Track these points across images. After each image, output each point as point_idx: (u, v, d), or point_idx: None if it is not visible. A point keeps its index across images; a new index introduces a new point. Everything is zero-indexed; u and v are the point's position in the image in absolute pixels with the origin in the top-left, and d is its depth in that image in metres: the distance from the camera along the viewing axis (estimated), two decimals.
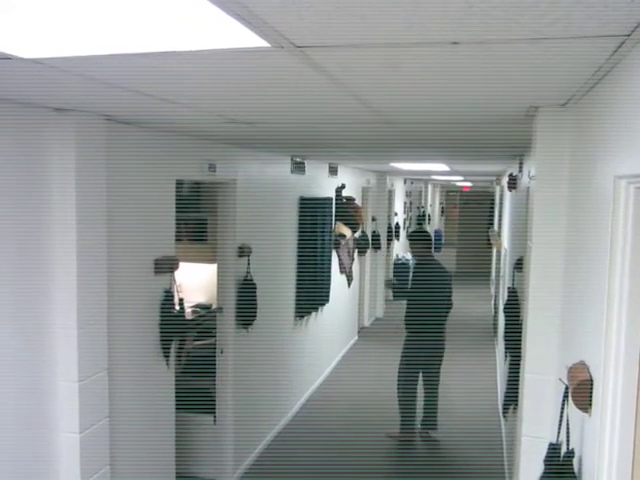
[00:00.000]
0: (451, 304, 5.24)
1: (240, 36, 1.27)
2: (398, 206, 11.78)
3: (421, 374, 5.23)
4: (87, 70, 1.72)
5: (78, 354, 2.57)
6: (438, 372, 5.25)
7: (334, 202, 6.80)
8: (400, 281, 10.27)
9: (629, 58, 1.38)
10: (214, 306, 4.68)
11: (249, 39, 1.29)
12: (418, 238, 5.28)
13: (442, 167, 7.26)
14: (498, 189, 10.13)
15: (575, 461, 1.70)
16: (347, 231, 7.19)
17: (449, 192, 17.73)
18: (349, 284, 7.82)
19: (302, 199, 5.65)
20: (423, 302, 4.99)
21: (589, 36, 1.26)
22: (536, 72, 1.64)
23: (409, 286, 5.32)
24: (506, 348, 3.94)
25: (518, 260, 3.87)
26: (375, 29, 1.23)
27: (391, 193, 10.82)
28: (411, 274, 5.47)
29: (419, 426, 5.29)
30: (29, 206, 2.42)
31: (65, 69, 1.70)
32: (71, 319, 2.55)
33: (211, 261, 4.56)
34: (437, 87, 1.91)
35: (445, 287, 5.15)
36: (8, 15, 1.19)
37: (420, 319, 5.00)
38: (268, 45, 1.35)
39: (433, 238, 5.78)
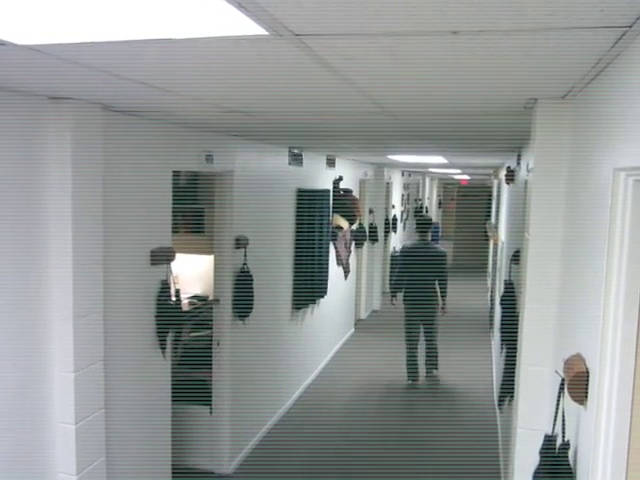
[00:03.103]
0: (445, 276, 6.31)
1: (238, 24, 1.26)
2: (395, 199, 11.77)
3: (422, 328, 6.49)
4: (83, 57, 1.70)
5: (74, 345, 2.56)
6: (433, 324, 6.48)
7: (332, 194, 6.79)
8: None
9: (630, 50, 1.37)
10: (211, 297, 4.68)
11: (247, 27, 1.28)
12: (425, 222, 6.62)
13: (440, 160, 7.25)
14: (496, 182, 10.13)
15: (570, 453, 1.71)
16: (344, 223, 7.18)
17: (447, 185, 17.71)
18: (346, 276, 7.83)
19: (299, 191, 5.64)
20: (412, 273, 6.31)
21: (590, 27, 1.24)
22: (536, 63, 1.63)
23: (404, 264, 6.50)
24: (502, 340, 3.95)
25: (515, 253, 3.87)
26: (374, 18, 1.22)
27: (389, 185, 10.81)
28: (405, 254, 6.58)
29: (424, 370, 6.57)
30: (25, 196, 2.40)
31: (61, 56, 1.68)
32: (67, 310, 2.54)
33: (208, 252, 4.54)
34: (436, 77, 1.90)
35: (434, 262, 6.27)
36: (2, 0, 1.17)
37: (409, 286, 6.37)
38: (266, 33, 1.34)
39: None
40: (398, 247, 11.73)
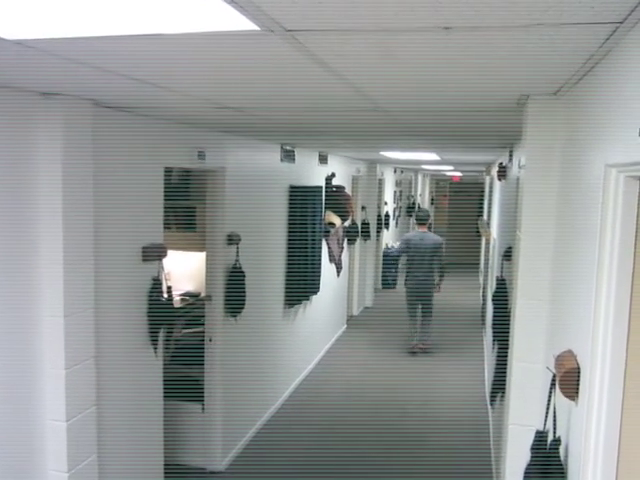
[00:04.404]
0: (441, 260, 7.43)
1: (229, 19, 1.25)
2: (388, 195, 11.77)
3: (420, 305, 7.55)
4: (73, 52, 1.69)
5: (65, 341, 2.54)
6: (430, 301, 7.53)
7: (324, 191, 6.78)
8: (389, 270, 10.69)
9: (621, 46, 1.37)
10: (202, 294, 4.67)
11: (238, 22, 1.27)
12: (423, 215, 7.75)
13: (432, 156, 7.26)
14: (488, 179, 10.16)
15: (562, 449, 1.71)
16: (337, 220, 7.18)
17: (439, 182, 17.74)
18: (338, 273, 7.83)
19: (292, 187, 5.63)
20: (412, 257, 7.43)
21: (582, 23, 1.24)
22: (528, 60, 1.63)
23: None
24: (494, 337, 3.97)
25: (507, 250, 3.89)
26: (365, 14, 1.21)
27: (381, 182, 10.81)
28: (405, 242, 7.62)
29: (417, 341, 7.51)
30: (15, 192, 2.38)
31: (50, 51, 1.66)
32: (58, 306, 2.52)
33: (200, 249, 4.53)
34: (429, 74, 1.89)
35: (431, 248, 7.36)
36: None
37: (411, 270, 7.52)
38: (258, 29, 1.33)
39: None
40: (391, 244, 11.76)
